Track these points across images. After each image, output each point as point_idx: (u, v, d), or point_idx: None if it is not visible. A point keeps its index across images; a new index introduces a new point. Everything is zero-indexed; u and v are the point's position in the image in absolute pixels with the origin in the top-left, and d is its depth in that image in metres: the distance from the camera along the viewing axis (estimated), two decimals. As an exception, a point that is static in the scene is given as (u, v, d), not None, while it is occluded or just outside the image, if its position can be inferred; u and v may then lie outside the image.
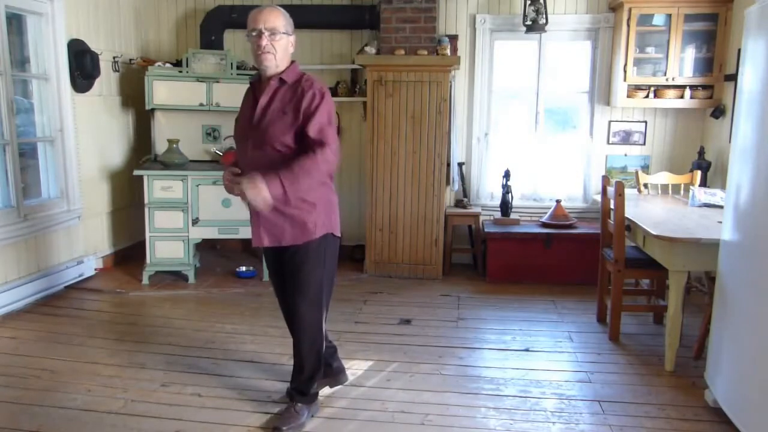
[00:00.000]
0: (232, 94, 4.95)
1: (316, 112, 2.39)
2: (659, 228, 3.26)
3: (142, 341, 3.62)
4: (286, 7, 5.24)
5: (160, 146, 5.02)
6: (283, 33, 2.44)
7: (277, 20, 2.42)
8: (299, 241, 2.53)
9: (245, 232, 4.85)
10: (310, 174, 2.34)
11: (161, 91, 4.90)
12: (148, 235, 4.68)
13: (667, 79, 4.78)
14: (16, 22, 4.23)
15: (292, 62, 2.55)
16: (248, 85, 2.65)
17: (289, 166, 2.33)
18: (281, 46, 2.43)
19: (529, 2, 4.87)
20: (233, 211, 4.77)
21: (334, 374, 2.93)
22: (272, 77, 2.48)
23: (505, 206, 5.17)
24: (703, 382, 2.99)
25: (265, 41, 2.39)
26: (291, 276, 2.59)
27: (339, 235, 2.66)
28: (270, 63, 2.44)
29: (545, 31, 4.94)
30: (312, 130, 2.38)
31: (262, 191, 2.27)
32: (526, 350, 3.62)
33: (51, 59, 4.37)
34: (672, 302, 3.27)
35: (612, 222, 3.74)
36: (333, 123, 2.47)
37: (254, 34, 2.41)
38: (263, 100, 2.46)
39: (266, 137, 2.43)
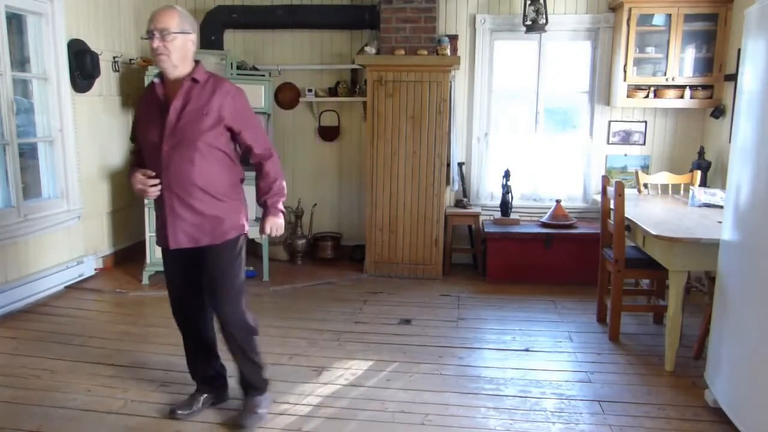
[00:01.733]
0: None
1: (246, 115, 2.52)
2: (659, 228, 3.26)
3: (142, 341, 3.62)
4: (286, 7, 5.32)
5: (160, 146, 5.01)
6: (177, 33, 2.35)
7: (170, 20, 2.34)
8: (218, 240, 2.52)
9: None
10: (283, 178, 2.65)
11: (161, 91, 4.89)
12: (148, 235, 4.68)
13: (667, 79, 4.78)
14: (16, 22, 4.23)
15: (197, 62, 2.48)
16: (152, 85, 2.52)
17: (270, 187, 2.63)
18: (176, 46, 2.35)
19: (529, 2, 4.87)
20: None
21: (219, 389, 2.89)
22: (183, 78, 2.41)
23: (505, 206, 5.17)
24: (703, 382, 2.99)
25: (156, 43, 2.33)
26: (212, 277, 2.55)
27: (247, 234, 2.71)
28: (166, 65, 2.36)
29: (545, 31, 4.94)
30: (257, 142, 2.56)
31: (278, 222, 2.67)
32: (526, 350, 3.62)
33: (51, 59, 4.37)
34: (672, 302, 3.27)
35: (612, 222, 3.74)
36: (260, 120, 2.58)
37: (148, 35, 2.34)
38: (177, 102, 2.39)
39: (186, 138, 2.38)
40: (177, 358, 3.37)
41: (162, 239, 2.55)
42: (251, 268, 5.02)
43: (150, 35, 2.34)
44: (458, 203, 5.35)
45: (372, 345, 3.65)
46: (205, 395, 2.81)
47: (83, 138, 4.69)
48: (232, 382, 2.85)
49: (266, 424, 2.72)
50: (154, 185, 2.42)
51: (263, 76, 5.06)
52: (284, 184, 2.69)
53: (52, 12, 4.32)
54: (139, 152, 2.62)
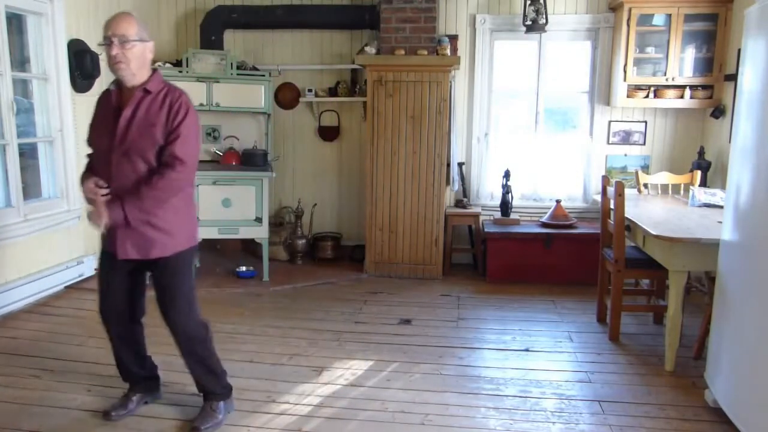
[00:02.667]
0: (232, 94, 4.97)
1: (181, 127, 2.39)
2: (659, 228, 3.26)
3: (142, 341, 3.62)
4: (286, 7, 5.32)
5: (160, 146, 5.02)
6: (136, 41, 2.33)
7: (129, 27, 2.32)
8: (168, 252, 2.50)
9: (245, 232, 4.86)
10: (164, 191, 2.38)
11: (161, 91, 4.89)
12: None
13: (667, 79, 4.78)
14: (16, 22, 4.23)
15: (154, 71, 2.47)
16: (110, 91, 2.49)
17: (138, 190, 2.37)
18: (135, 54, 2.33)
19: (529, 2, 4.87)
20: (233, 211, 4.78)
21: (152, 388, 2.89)
22: (136, 87, 2.39)
23: (505, 206, 5.17)
24: (703, 382, 2.99)
25: (115, 50, 2.30)
26: (161, 287, 2.55)
27: (196, 244, 2.68)
28: (125, 73, 2.34)
29: (545, 31, 4.94)
30: (175, 146, 2.38)
31: (104, 218, 2.35)
32: (526, 350, 3.62)
33: (51, 59, 4.37)
34: (672, 302, 3.27)
35: (612, 222, 3.74)
36: (197, 138, 2.47)
37: (106, 42, 2.32)
38: (127, 112, 2.37)
39: (133, 148, 2.36)
40: (176, 358, 3.36)
41: (109, 245, 2.52)
42: (251, 268, 5.03)
43: (107, 42, 2.32)
44: (458, 203, 5.35)
45: (372, 345, 3.65)
46: (138, 395, 2.82)
47: (83, 138, 4.68)
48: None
49: (266, 423, 2.72)
50: (104, 195, 2.38)
51: (263, 76, 5.06)
52: (158, 199, 2.41)
53: (52, 12, 4.32)
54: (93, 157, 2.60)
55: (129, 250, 2.47)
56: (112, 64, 2.34)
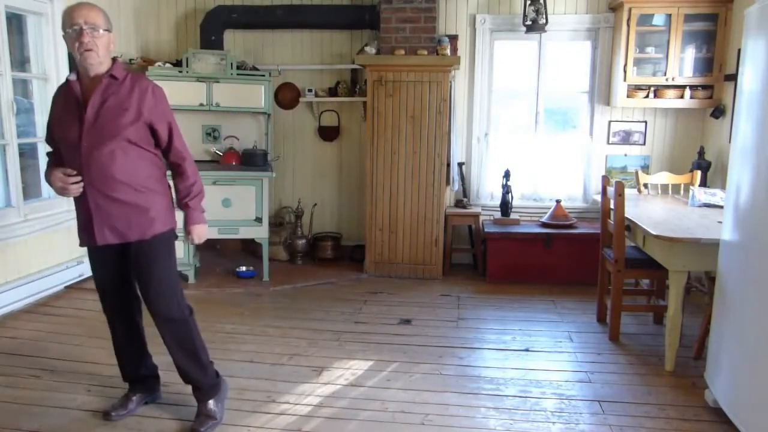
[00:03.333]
0: (232, 94, 4.97)
1: (165, 111, 2.54)
2: (659, 228, 3.26)
3: (142, 341, 3.62)
4: (286, 7, 5.32)
5: (160, 146, 5.02)
6: (105, 30, 2.38)
7: (98, 17, 2.37)
8: (146, 236, 2.51)
9: (245, 232, 4.86)
10: (196, 175, 2.65)
11: (161, 91, 4.89)
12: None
13: (667, 79, 4.78)
14: (16, 22, 4.23)
15: (114, 59, 2.50)
16: (67, 85, 2.49)
17: (190, 190, 2.61)
18: (103, 43, 2.37)
19: (529, 2, 4.87)
20: (233, 211, 4.77)
21: (152, 388, 2.90)
22: (101, 75, 2.41)
23: (505, 206, 5.17)
24: (703, 382, 2.99)
25: (87, 38, 2.32)
26: (144, 274, 2.56)
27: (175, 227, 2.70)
28: (94, 60, 2.36)
29: (545, 31, 4.94)
30: (174, 140, 2.57)
31: (205, 229, 2.67)
32: (526, 350, 3.62)
33: (51, 59, 4.37)
34: (672, 302, 3.27)
35: (612, 222, 3.74)
36: (175, 120, 2.61)
37: (75, 29, 2.32)
38: (96, 99, 2.39)
39: (105, 134, 2.39)
40: (177, 358, 3.37)
41: (86, 238, 2.53)
42: (251, 268, 5.03)
43: (78, 30, 2.33)
44: (458, 203, 5.35)
45: (372, 345, 3.65)
46: (138, 395, 2.82)
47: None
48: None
49: (266, 423, 2.73)
50: (75, 182, 2.41)
51: (263, 76, 5.06)
52: (202, 184, 2.68)
53: (52, 12, 4.32)
54: (55, 153, 2.58)
55: (107, 234, 2.48)
56: (82, 51, 2.34)
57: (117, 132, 2.39)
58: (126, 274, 2.65)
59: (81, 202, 2.49)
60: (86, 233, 2.52)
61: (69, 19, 2.35)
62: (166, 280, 2.58)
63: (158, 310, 2.58)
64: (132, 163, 2.46)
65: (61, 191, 2.44)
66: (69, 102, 2.45)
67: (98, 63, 2.39)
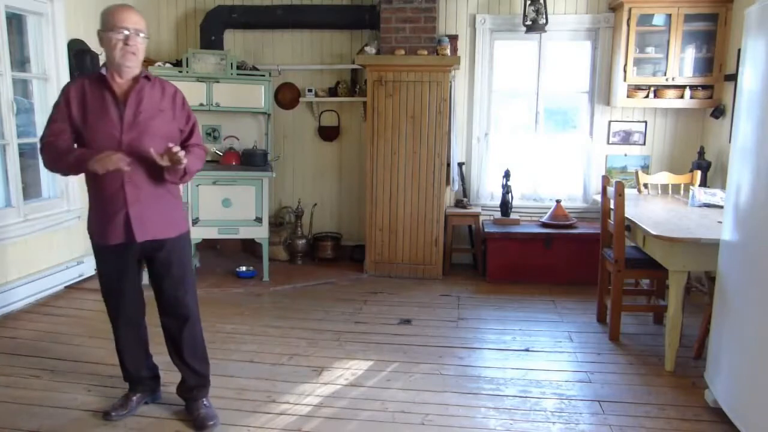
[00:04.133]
0: (232, 94, 4.97)
1: (192, 116, 2.66)
2: (659, 228, 3.26)
3: (142, 341, 3.62)
4: (286, 7, 5.32)
5: (160, 146, 5.02)
6: (145, 36, 2.48)
7: (143, 23, 2.47)
8: (173, 233, 2.59)
9: (245, 232, 4.87)
10: (202, 159, 2.67)
11: (161, 91, 4.89)
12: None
13: (667, 79, 4.78)
14: (16, 22, 4.23)
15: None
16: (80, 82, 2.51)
17: (189, 150, 2.56)
18: (142, 48, 2.48)
19: (529, 2, 4.87)
20: (233, 211, 4.78)
21: (152, 387, 2.91)
22: (136, 76, 2.49)
23: (505, 206, 5.17)
24: (703, 382, 2.99)
25: (133, 41, 2.42)
26: (175, 272, 2.61)
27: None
28: (132, 63, 2.44)
29: (545, 31, 4.94)
30: (196, 136, 2.67)
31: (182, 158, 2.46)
32: (526, 350, 3.62)
33: (51, 59, 4.37)
34: (672, 302, 3.27)
35: (612, 222, 3.74)
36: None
37: (124, 33, 2.40)
38: (133, 98, 2.45)
39: (145, 133, 2.45)
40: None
41: (114, 234, 2.48)
42: (251, 268, 5.03)
43: (126, 34, 2.39)
44: (458, 203, 5.35)
45: (372, 345, 3.65)
46: (139, 395, 2.83)
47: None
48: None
49: (266, 423, 2.73)
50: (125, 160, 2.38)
51: (263, 76, 5.06)
52: (201, 160, 2.67)
53: (52, 12, 4.32)
54: (59, 144, 2.48)
55: (149, 230, 2.51)
56: (125, 53, 2.41)
57: (155, 131, 2.48)
58: (138, 273, 2.68)
59: (111, 200, 2.47)
60: (113, 232, 2.49)
61: (115, 21, 2.40)
62: (191, 278, 2.69)
63: (187, 308, 2.65)
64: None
65: (113, 164, 2.33)
66: (97, 97, 2.46)
67: (136, 66, 2.48)
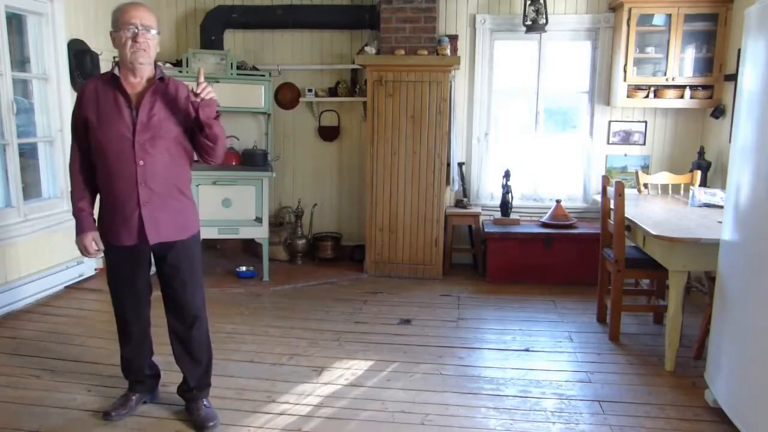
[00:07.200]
0: (232, 94, 4.96)
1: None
2: (659, 228, 3.26)
3: (142, 341, 3.62)
4: (286, 7, 5.32)
5: (160, 146, 5.02)
6: (156, 32, 2.44)
7: (152, 19, 2.43)
8: (184, 235, 2.59)
9: (245, 232, 4.87)
10: (222, 136, 2.56)
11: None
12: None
13: (667, 79, 4.78)
14: (16, 22, 4.23)
15: (155, 62, 2.54)
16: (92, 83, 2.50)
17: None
18: (153, 44, 2.44)
19: (529, 2, 4.87)
20: (233, 211, 4.78)
21: (152, 387, 2.92)
22: (148, 76, 2.47)
23: (505, 206, 5.17)
24: (703, 382, 2.99)
25: (142, 38, 2.38)
26: (180, 271, 2.61)
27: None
28: (143, 60, 2.41)
29: (545, 31, 4.94)
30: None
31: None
32: (526, 350, 3.62)
33: (51, 59, 4.37)
34: (672, 302, 3.27)
35: (612, 222, 3.74)
36: None
37: (134, 30, 2.36)
38: (148, 99, 2.43)
39: (159, 134, 2.44)
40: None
41: (126, 235, 2.49)
42: (251, 268, 5.03)
43: (134, 31, 2.36)
44: (458, 203, 5.35)
45: (372, 345, 3.65)
46: (138, 394, 2.83)
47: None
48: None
49: (266, 423, 2.73)
50: (97, 251, 2.57)
51: (263, 76, 5.06)
52: (221, 137, 2.56)
53: (52, 12, 4.32)
54: (81, 155, 2.52)
55: (162, 232, 2.51)
56: (135, 50, 2.38)
57: (169, 133, 2.47)
58: (147, 274, 2.68)
59: (123, 202, 2.47)
60: (125, 233, 2.50)
61: (124, 18, 2.38)
62: (200, 278, 2.69)
63: (193, 308, 2.66)
64: (176, 164, 2.53)
65: (84, 251, 2.56)
66: (109, 98, 2.44)
67: (147, 63, 2.45)
